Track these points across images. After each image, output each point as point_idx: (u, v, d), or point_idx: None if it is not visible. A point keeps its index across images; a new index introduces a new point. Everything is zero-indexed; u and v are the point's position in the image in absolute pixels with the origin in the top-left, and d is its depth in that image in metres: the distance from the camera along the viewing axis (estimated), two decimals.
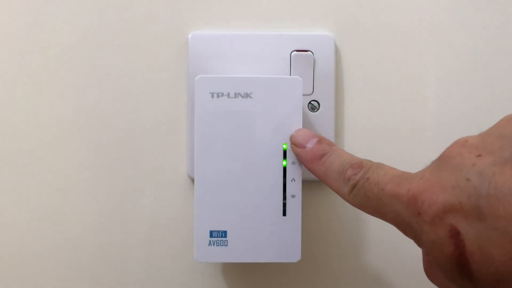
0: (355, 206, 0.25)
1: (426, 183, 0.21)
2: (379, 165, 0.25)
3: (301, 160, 0.30)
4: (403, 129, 0.37)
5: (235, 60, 0.35)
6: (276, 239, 0.31)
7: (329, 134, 0.36)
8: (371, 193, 0.24)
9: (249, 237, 0.31)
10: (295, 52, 0.35)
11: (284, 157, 0.31)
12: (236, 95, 0.31)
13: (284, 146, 0.31)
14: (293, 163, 0.31)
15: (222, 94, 0.31)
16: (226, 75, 0.35)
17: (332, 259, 0.37)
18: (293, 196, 0.31)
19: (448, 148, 0.22)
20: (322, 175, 0.28)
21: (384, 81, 0.36)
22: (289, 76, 0.34)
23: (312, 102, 0.36)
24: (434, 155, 0.36)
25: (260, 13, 0.36)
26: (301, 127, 0.31)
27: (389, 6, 0.36)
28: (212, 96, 0.31)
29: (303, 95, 0.35)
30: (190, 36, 0.35)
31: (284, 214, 0.31)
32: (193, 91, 0.32)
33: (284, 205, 0.31)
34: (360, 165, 0.26)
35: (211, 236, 0.31)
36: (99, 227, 0.36)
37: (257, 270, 0.37)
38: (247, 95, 0.31)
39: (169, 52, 0.36)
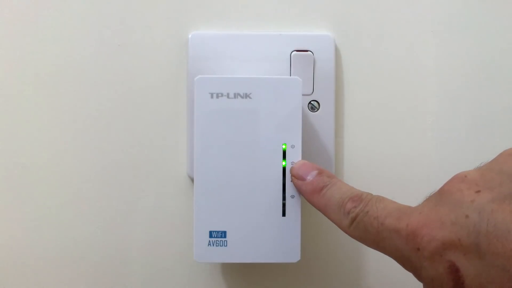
0: (355, 239, 0.26)
1: (425, 218, 0.21)
2: (379, 198, 0.25)
3: (301, 192, 0.30)
4: (403, 129, 0.36)
5: (235, 60, 0.35)
6: (275, 240, 0.31)
7: (329, 134, 0.36)
8: (371, 227, 0.24)
9: (249, 238, 0.31)
10: (295, 52, 0.35)
11: (284, 157, 0.31)
12: (236, 95, 0.31)
13: (284, 146, 0.31)
14: (293, 163, 0.31)
15: (222, 95, 0.31)
16: (226, 75, 0.35)
17: (332, 259, 0.37)
18: (292, 197, 0.31)
19: (447, 183, 0.22)
20: (322, 207, 0.28)
21: (384, 81, 0.36)
22: (289, 77, 0.34)
23: (312, 102, 0.36)
24: (434, 155, 0.36)
25: (260, 13, 0.36)
26: (300, 127, 0.31)
27: (389, 6, 0.36)
28: (212, 97, 0.31)
29: (303, 95, 0.35)
30: (190, 36, 0.35)
31: (284, 214, 0.31)
32: (193, 91, 0.32)
33: (284, 205, 0.31)
34: (359, 198, 0.26)
35: (210, 236, 0.31)
36: (99, 227, 0.37)
37: (256, 270, 0.37)
38: (246, 96, 0.31)
39: (169, 52, 0.36)
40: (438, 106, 0.36)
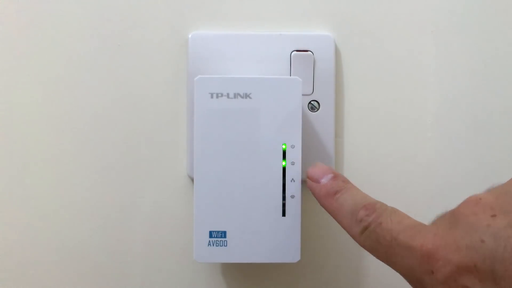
0: (365, 248, 0.25)
1: (441, 240, 0.21)
2: (393, 210, 0.25)
3: (314, 195, 0.29)
4: (403, 129, 0.36)
5: (235, 60, 0.35)
6: (275, 240, 0.31)
7: (329, 134, 0.36)
8: (383, 240, 0.24)
9: (249, 238, 0.31)
10: (295, 52, 0.35)
11: (284, 157, 0.31)
12: (236, 95, 0.31)
13: (284, 146, 0.31)
14: (293, 163, 0.31)
15: (222, 95, 0.31)
16: (226, 75, 0.35)
17: (332, 259, 0.37)
18: (292, 197, 0.31)
19: (461, 205, 0.22)
20: (334, 212, 0.27)
21: (384, 81, 0.36)
22: (289, 77, 0.34)
23: (312, 102, 0.36)
24: (434, 154, 0.36)
25: (260, 13, 0.36)
26: (300, 127, 0.31)
27: (389, 6, 0.36)
28: (212, 97, 0.31)
29: (303, 95, 0.35)
30: (190, 36, 0.35)
31: (284, 214, 0.31)
32: (193, 91, 0.32)
33: (284, 205, 0.31)
34: (373, 207, 0.25)
35: (210, 236, 0.31)
36: (99, 227, 0.37)
37: (256, 270, 0.37)
38: (246, 96, 0.31)
39: (169, 52, 0.36)
40: (438, 106, 0.36)
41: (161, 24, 0.36)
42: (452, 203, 0.38)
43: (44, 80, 0.36)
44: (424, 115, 0.36)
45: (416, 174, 0.36)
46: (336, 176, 0.29)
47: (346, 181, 0.28)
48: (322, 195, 0.28)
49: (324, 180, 0.29)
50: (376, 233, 0.24)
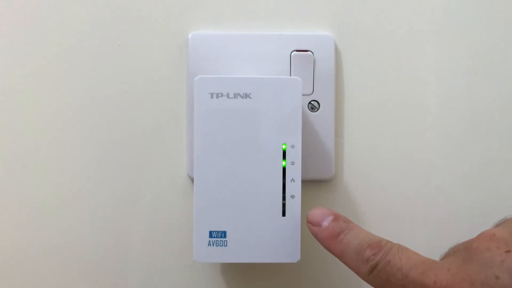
0: (375, 287, 0.25)
1: (455, 276, 0.21)
2: (400, 248, 0.25)
3: (317, 239, 0.29)
4: (403, 129, 0.36)
5: (235, 60, 0.35)
6: (275, 240, 0.31)
7: (329, 134, 0.36)
8: (394, 278, 0.23)
9: (249, 238, 0.31)
10: (295, 52, 0.35)
11: (284, 157, 0.31)
12: (236, 95, 0.31)
13: (284, 146, 0.31)
14: (293, 163, 0.31)
15: (222, 95, 0.31)
16: (226, 75, 0.35)
17: (332, 259, 0.37)
18: (292, 197, 0.31)
19: (475, 241, 0.22)
20: (340, 253, 0.27)
21: (384, 81, 0.36)
22: (289, 77, 0.34)
23: (312, 102, 0.36)
24: (434, 154, 0.36)
25: (260, 13, 0.36)
26: (300, 127, 0.31)
27: (389, 6, 0.36)
28: (212, 97, 0.31)
29: (303, 95, 0.35)
30: (190, 36, 0.35)
31: (284, 214, 0.31)
32: (193, 91, 0.32)
33: (284, 205, 0.31)
34: (378, 245, 0.25)
35: (210, 236, 0.31)
36: (99, 227, 0.37)
37: (256, 270, 0.37)
38: (246, 96, 0.31)
39: (169, 52, 0.36)
40: (438, 106, 0.36)
41: (161, 24, 0.36)
42: (452, 203, 0.38)
43: (44, 80, 0.36)
44: (424, 115, 0.36)
45: (416, 174, 0.36)
46: (337, 218, 0.28)
47: (347, 221, 0.28)
48: (325, 237, 0.28)
49: (325, 223, 0.28)
50: (386, 272, 0.24)
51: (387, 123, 0.36)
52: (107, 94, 0.36)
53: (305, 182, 0.34)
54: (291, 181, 0.31)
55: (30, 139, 0.36)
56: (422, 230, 0.37)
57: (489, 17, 0.36)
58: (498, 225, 0.23)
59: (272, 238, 0.31)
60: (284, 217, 0.31)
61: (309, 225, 0.29)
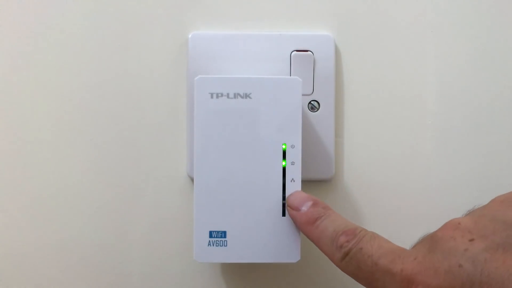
0: (347, 273, 0.25)
1: (420, 265, 0.21)
2: (373, 236, 0.25)
3: (295, 223, 0.30)
4: (403, 129, 0.36)
5: (235, 60, 0.35)
6: (275, 240, 0.31)
7: (329, 134, 0.36)
8: (364, 265, 0.24)
9: (249, 238, 0.31)
10: (295, 52, 0.35)
11: (284, 157, 0.31)
12: (236, 95, 0.31)
13: (284, 146, 0.31)
14: (293, 163, 0.31)
15: (222, 95, 0.31)
16: (226, 75, 0.35)
17: None
18: None
19: (440, 230, 0.22)
20: (316, 239, 0.28)
21: (384, 81, 0.36)
22: (289, 77, 0.34)
23: (312, 102, 0.36)
24: (434, 155, 0.36)
25: (260, 13, 0.36)
26: (300, 127, 0.31)
27: (389, 6, 0.36)
28: (212, 97, 0.31)
29: (303, 95, 0.35)
30: (190, 36, 0.35)
31: (284, 214, 0.31)
32: (193, 91, 0.32)
33: (284, 205, 0.31)
34: (353, 232, 0.26)
35: (210, 236, 0.31)
36: (99, 227, 0.37)
37: (256, 270, 0.37)
38: (246, 96, 0.31)
39: (169, 52, 0.36)
40: (438, 106, 0.36)
41: (161, 24, 0.36)
42: (451, 203, 0.38)
43: (44, 80, 0.36)
44: (424, 115, 0.36)
45: (416, 174, 0.36)
46: (316, 203, 0.29)
47: (326, 208, 0.29)
48: (303, 222, 0.29)
49: (304, 208, 0.29)
50: (357, 259, 0.24)
51: (387, 123, 0.36)
52: (107, 94, 0.36)
53: (305, 182, 0.34)
54: (291, 181, 0.31)
55: (31, 139, 0.36)
56: (422, 229, 0.36)
57: (489, 17, 0.36)
58: (466, 215, 0.24)
59: (272, 238, 0.31)
60: (284, 217, 0.31)
61: (289, 209, 0.30)
